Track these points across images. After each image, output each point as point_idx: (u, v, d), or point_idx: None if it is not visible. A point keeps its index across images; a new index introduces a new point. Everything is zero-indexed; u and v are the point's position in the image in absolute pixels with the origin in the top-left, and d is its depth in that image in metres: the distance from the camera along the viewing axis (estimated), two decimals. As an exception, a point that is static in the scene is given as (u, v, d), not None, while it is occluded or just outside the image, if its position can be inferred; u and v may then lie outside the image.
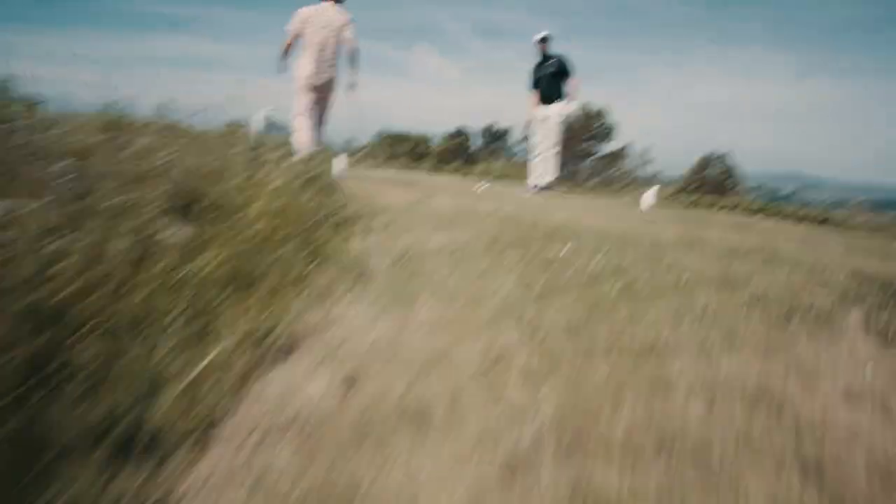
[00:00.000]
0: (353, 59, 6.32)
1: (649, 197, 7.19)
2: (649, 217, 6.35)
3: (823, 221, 9.08)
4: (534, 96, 7.72)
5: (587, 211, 6.05)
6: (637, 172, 27.94)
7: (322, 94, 6.39)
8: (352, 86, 6.41)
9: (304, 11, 6.15)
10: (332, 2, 6.27)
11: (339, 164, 5.71)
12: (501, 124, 43.96)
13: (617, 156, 28.92)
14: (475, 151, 39.53)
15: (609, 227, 4.78)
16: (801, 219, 9.02)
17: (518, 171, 15.14)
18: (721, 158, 20.58)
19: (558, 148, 7.48)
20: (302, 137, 6.31)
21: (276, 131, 10.26)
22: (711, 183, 19.55)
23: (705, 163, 20.62)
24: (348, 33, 6.17)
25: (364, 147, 20.97)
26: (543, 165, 7.56)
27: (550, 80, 7.36)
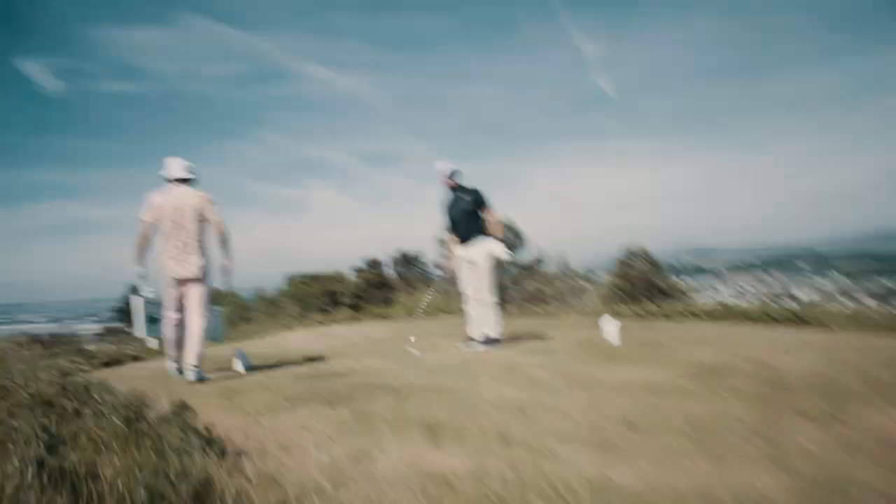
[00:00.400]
0: (224, 240, 5.55)
1: (612, 329, 6.46)
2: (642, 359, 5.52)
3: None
4: (452, 237, 7.02)
5: (573, 383, 4.91)
6: (559, 282, 28.15)
7: (189, 286, 5.51)
8: (226, 272, 5.61)
9: (156, 198, 5.44)
10: (183, 183, 5.53)
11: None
12: (411, 249, 44.05)
13: (533, 267, 29.09)
14: (392, 280, 38.96)
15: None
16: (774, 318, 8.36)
17: (445, 302, 14.42)
18: (643, 252, 20.85)
19: (496, 297, 6.69)
20: (167, 335, 5.65)
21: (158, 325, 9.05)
22: (641, 281, 19.64)
23: (628, 260, 20.83)
24: (211, 214, 5.46)
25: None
26: (482, 316, 6.72)
27: (468, 217, 6.69)
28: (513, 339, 7.12)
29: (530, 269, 28.42)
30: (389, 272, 39.91)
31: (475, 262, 6.62)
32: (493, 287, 6.65)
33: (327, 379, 5.02)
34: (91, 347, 8.07)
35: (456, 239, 6.93)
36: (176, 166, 5.48)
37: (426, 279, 38.97)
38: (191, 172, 5.54)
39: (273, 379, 5.21)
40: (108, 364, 6.59)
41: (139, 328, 8.38)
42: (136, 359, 7.24)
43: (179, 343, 5.55)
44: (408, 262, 42.66)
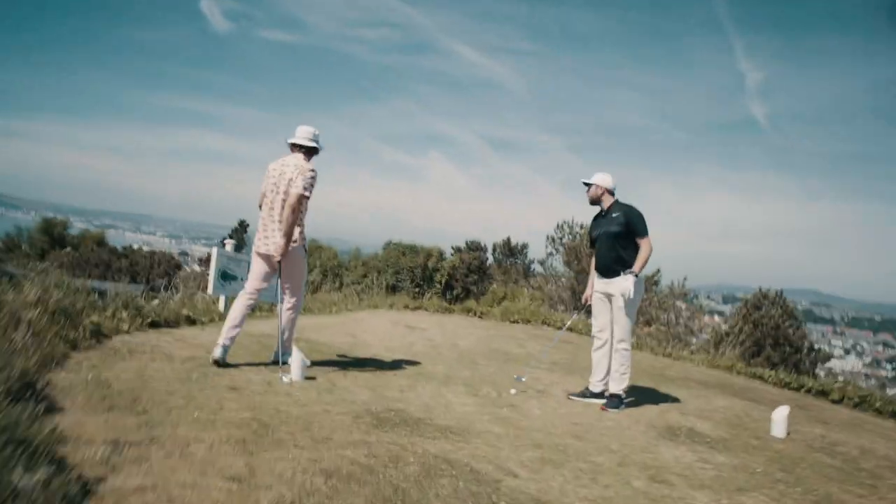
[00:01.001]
0: (289, 216, 4.72)
1: (780, 420, 4.81)
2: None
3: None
4: (592, 262, 5.52)
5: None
6: (674, 302, 25.62)
7: (273, 263, 4.90)
8: (277, 249, 4.79)
9: (270, 164, 4.99)
10: (300, 152, 4.94)
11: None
12: (517, 238, 42.26)
13: (647, 285, 26.66)
14: (490, 267, 37.49)
15: None
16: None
17: (549, 316, 12.84)
18: (778, 298, 18.17)
19: (628, 343, 5.15)
20: (232, 309, 5.01)
21: (232, 283, 8.09)
22: (770, 328, 17.11)
23: (758, 302, 18.23)
24: (293, 185, 4.75)
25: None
26: (607, 365, 5.22)
27: (611, 242, 5.15)
28: (636, 392, 5.54)
29: (645, 286, 26.09)
30: (488, 258, 38.55)
31: (612, 299, 5.08)
32: (629, 332, 5.09)
33: (391, 430, 3.64)
34: (152, 299, 7.26)
35: (595, 266, 5.42)
36: (297, 132, 4.92)
37: (526, 273, 37.37)
38: (309, 140, 4.90)
39: (319, 407, 3.91)
40: (155, 324, 5.61)
41: (211, 282, 7.46)
42: (191, 322, 6.25)
43: (238, 325, 4.85)
44: (510, 251, 41.16)
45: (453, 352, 7.13)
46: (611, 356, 5.17)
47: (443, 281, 32.93)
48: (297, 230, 4.82)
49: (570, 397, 5.35)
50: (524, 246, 44.65)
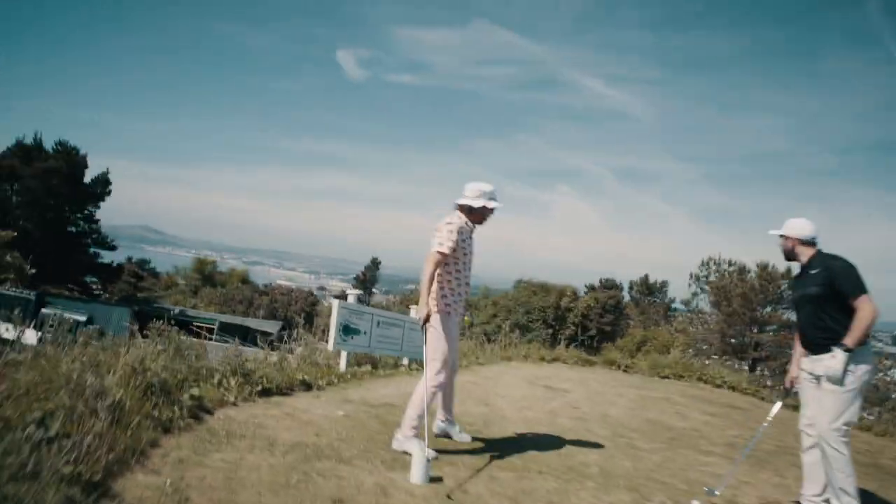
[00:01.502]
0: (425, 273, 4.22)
1: None
2: None
3: None
4: (797, 333, 4.21)
5: None
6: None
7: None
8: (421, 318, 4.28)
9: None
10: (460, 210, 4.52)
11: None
12: (655, 276, 39.65)
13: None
14: (626, 306, 35.36)
15: None
16: None
17: (705, 371, 11.16)
18: None
19: (843, 443, 3.73)
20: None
21: (355, 338, 7.41)
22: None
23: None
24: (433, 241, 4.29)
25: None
26: (821, 471, 3.86)
27: (813, 307, 3.83)
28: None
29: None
30: (624, 297, 36.40)
31: (829, 374, 3.72)
32: (837, 426, 3.68)
33: None
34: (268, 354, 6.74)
35: (800, 340, 4.10)
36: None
37: (666, 313, 34.77)
38: (464, 199, 4.42)
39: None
40: (266, 392, 4.97)
41: (332, 337, 6.85)
42: (307, 386, 5.58)
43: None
44: (649, 289, 38.65)
45: (604, 426, 5.95)
46: (826, 459, 3.81)
47: (577, 322, 31.39)
48: (435, 293, 4.27)
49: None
50: (663, 284, 41.93)
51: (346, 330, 7.05)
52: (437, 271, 4.23)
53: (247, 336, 30.42)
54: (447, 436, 4.59)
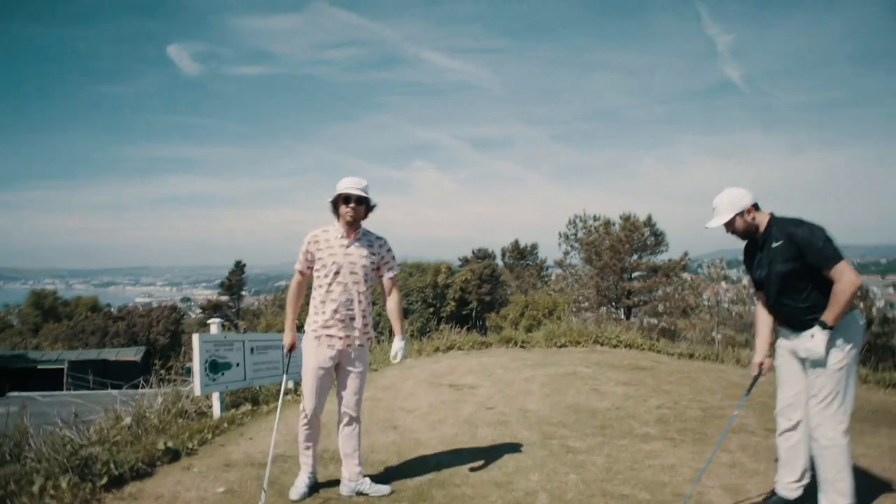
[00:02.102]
0: None
1: None
2: None
3: None
4: (758, 310, 3.66)
5: None
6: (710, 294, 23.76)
7: None
8: None
9: None
10: None
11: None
12: (524, 239, 40.50)
13: (676, 271, 24.87)
14: (501, 273, 35.75)
15: None
16: None
17: (601, 334, 11.00)
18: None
19: (842, 433, 3.25)
20: None
21: (226, 374, 6.31)
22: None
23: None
24: None
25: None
26: (806, 456, 3.39)
27: (784, 285, 3.30)
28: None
29: (671, 273, 24.32)
30: (498, 264, 36.80)
31: (811, 357, 3.24)
32: (843, 408, 3.24)
33: None
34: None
35: (766, 314, 3.58)
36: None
37: (539, 274, 35.57)
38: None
39: None
40: (115, 482, 3.78)
41: (197, 379, 5.67)
42: (174, 455, 4.43)
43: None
44: (520, 254, 39.38)
45: (528, 427, 5.33)
46: (808, 447, 3.36)
47: (456, 297, 31.23)
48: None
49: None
50: (534, 246, 42.94)
51: (215, 367, 5.89)
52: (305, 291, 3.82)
53: (105, 371, 27.25)
54: (361, 493, 3.73)
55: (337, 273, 3.63)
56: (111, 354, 30.20)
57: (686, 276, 24.17)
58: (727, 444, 4.80)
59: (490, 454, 4.51)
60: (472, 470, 4.16)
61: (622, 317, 22.90)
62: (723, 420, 5.55)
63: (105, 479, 3.71)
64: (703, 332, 20.14)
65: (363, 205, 3.64)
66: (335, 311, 3.64)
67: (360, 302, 3.67)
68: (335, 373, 3.76)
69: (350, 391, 3.71)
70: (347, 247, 3.68)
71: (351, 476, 3.77)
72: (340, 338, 3.65)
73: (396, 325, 3.80)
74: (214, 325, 6.16)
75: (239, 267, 54.71)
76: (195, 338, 5.75)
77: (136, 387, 7.43)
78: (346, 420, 3.76)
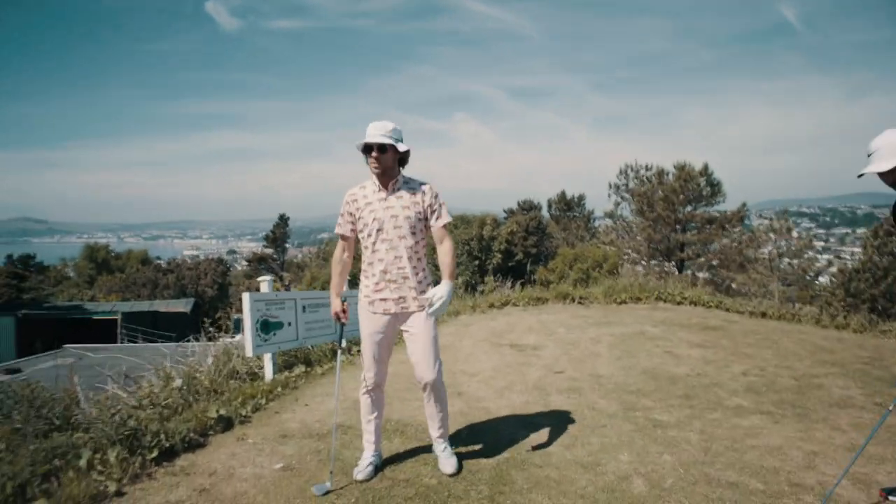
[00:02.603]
0: None
1: None
2: None
3: None
4: None
5: None
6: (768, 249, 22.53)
7: None
8: None
9: None
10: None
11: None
12: (571, 190, 39.39)
13: (732, 223, 23.72)
14: (548, 225, 34.97)
15: None
16: None
17: (663, 290, 10.39)
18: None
19: None
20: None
21: (277, 334, 5.99)
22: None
23: (891, 228, 15.18)
24: None
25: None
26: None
27: None
28: None
29: (727, 224, 23.24)
30: (544, 216, 35.98)
31: None
32: None
33: None
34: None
35: None
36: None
37: (587, 226, 34.67)
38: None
39: None
40: (166, 454, 3.49)
41: (249, 340, 5.37)
42: (227, 423, 4.13)
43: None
44: (567, 205, 38.42)
45: (604, 395, 4.88)
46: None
47: (502, 249, 30.64)
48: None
49: (889, 499, 3.06)
50: (581, 197, 41.77)
51: (266, 327, 5.58)
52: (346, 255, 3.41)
53: (157, 322, 27.87)
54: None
55: (380, 230, 3.21)
56: (162, 306, 30.83)
57: (747, 226, 23.08)
58: (836, 420, 4.26)
59: (568, 428, 4.08)
60: (552, 447, 3.73)
61: (675, 270, 22.07)
62: (821, 391, 4.99)
63: (155, 453, 3.41)
64: (761, 287, 19.25)
65: (388, 152, 3.16)
66: (384, 272, 3.22)
67: (410, 258, 3.21)
68: (402, 336, 3.37)
69: (417, 356, 3.30)
70: (386, 199, 3.22)
71: (432, 438, 3.48)
72: (394, 300, 3.24)
73: (445, 272, 3.26)
74: (265, 282, 5.83)
75: (283, 220, 55.18)
76: (246, 297, 5.42)
77: (186, 340, 7.23)
78: (421, 387, 3.38)
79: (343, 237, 3.37)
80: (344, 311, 3.35)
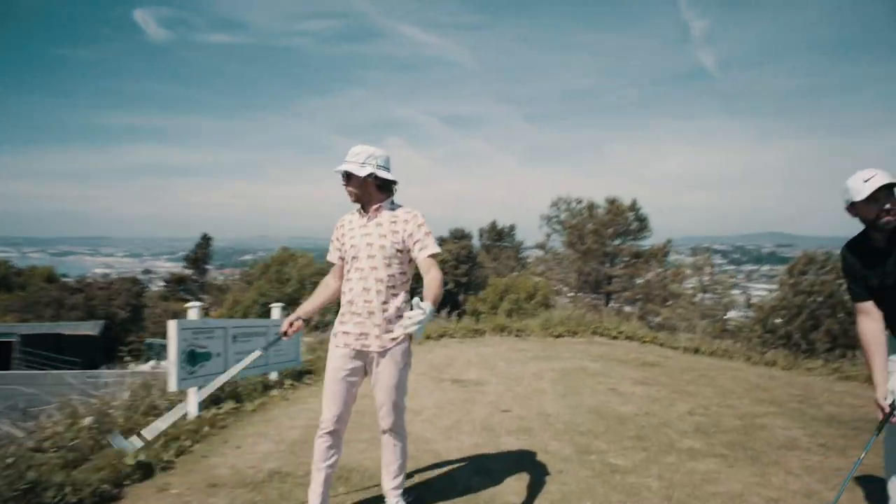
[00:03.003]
0: None
1: None
2: None
3: None
4: (869, 327, 2.94)
5: None
6: (691, 279, 23.39)
7: None
8: None
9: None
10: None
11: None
12: (500, 220, 39.91)
13: (658, 257, 24.51)
14: (478, 254, 35.14)
15: None
16: None
17: (599, 325, 10.44)
18: (828, 260, 15.93)
19: None
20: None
21: (205, 365, 5.51)
22: (825, 296, 14.79)
23: (804, 267, 15.98)
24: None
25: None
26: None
27: None
28: None
29: (652, 259, 23.99)
30: (475, 244, 36.14)
31: None
32: None
33: None
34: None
35: (880, 333, 2.88)
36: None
37: (517, 256, 35.05)
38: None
39: None
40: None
41: (173, 371, 4.87)
42: (146, 471, 3.64)
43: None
44: (498, 234, 38.78)
45: (555, 436, 4.69)
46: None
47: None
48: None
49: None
50: (511, 227, 42.33)
51: (193, 358, 5.10)
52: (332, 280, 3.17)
53: (61, 347, 25.87)
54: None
55: (354, 258, 2.96)
56: (68, 328, 28.73)
57: (669, 263, 23.88)
58: (787, 463, 4.22)
59: (524, 474, 3.85)
60: (511, 496, 3.48)
61: (602, 303, 22.51)
62: (765, 432, 4.98)
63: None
64: (684, 320, 19.86)
65: (353, 179, 2.94)
66: (350, 303, 2.95)
67: (379, 292, 2.91)
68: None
69: (378, 400, 3.01)
70: (365, 226, 2.98)
71: (384, 489, 3.16)
72: (356, 335, 2.94)
73: (428, 295, 2.83)
74: (194, 309, 5.34)
75: (205, 240, 53.14)
76: (172, 325, 4.93)
77: (94, 366, 6.55)
78: (380, 431, 3.08)
79: (331, 263, 3.16)
80: (292, 326, 3.09)
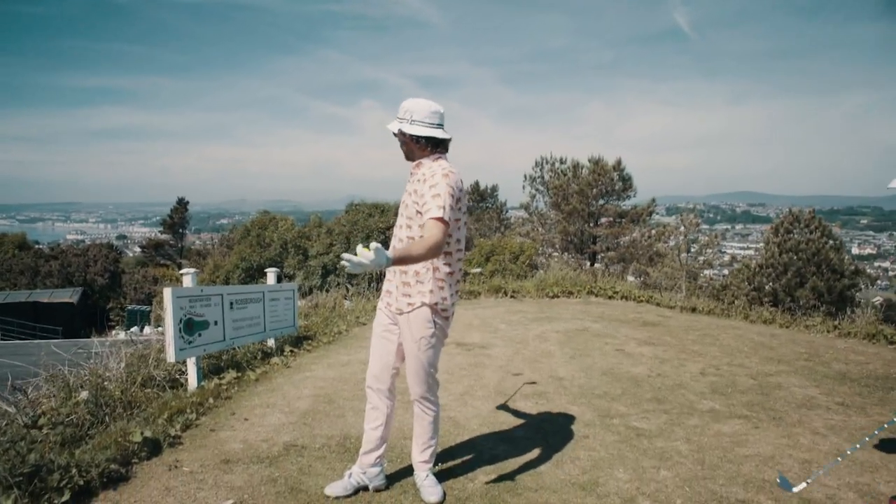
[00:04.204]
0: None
1: None
2: None
3: None
4: None
5: None
6: (674, 238, 23.39)
7: None
8: None
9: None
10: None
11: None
12: (480, 181, 39.54)
13: (643, 217, 24.46)
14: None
15: None
16: None
17: (594, 285, 10.35)
18: (814, 219, 15.94)
19: None
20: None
21: (203, 334, 5.26)
22: (808, 254, 14.87)
23: (790, 225, 15.97)
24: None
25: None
26: None
27: None
28: None
29: (639, 219, 23.95)
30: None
31: None
32: None
33: None
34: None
35: None
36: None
37: (500, 217, 34.85)
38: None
39: None
40: (83, 494, 2.81)
41: (171, 342, 4.63)
42: (154, 448, 3.44)
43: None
44: (480, 195, 38.45)
45: (572, 399, 4.58)
46: None
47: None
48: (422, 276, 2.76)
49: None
50: (494, 188, 41.96)
51: (191, 327, 4.85)
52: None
53: (38, 315, 25.30)
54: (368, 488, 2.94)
55: (397, 215, 2.89)
56: (44, 296, 28.11)
57: (655, 221, 23.95)
58: (811, 423, 4.15)
59: (548, 440, 3.72)
60: (540, 465, 3.34)
61: (587, 263, 22.49)
62: (783, 391, 4.92)
63: (67, 495, 2.72)
64: (671, 280, 19.95)
65: (400, 135, 2.81)
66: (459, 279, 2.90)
67: None
68: None
69: (407, 367, 2.85)
70: (409, 183, 2.84)
71: (413, 461, 3.04)
72: (385, 293, 2.89)
73: (399, 248, 2.61)
74: (189, 275, 5.07)
75: (181, 204, 52.03)
76: (168, 292, 4.67)
77: (74, 334, 6.24)
78: (411, 398, 2.93)
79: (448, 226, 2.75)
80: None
